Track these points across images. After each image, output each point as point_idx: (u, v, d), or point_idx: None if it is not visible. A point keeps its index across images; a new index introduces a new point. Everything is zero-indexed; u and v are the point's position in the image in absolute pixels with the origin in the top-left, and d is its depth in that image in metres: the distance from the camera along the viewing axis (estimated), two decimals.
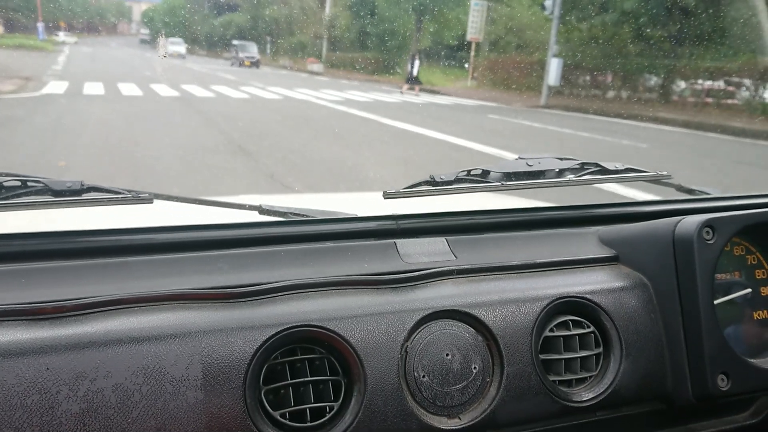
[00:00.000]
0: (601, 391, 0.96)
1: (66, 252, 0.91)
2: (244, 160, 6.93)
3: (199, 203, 1.08)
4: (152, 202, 0.98)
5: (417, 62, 18.33)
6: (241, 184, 5.79)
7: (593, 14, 16.85)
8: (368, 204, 1.27)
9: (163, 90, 13.55)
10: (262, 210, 1.12)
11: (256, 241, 1.01)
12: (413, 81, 17.84)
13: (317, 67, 22.40)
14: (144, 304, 0.82)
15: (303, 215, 1.11)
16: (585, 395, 0.95)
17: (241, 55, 20.55)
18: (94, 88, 12.54)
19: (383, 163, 7.29)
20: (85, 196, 0.96)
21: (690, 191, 1.36)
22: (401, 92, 17.45)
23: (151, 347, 0.77)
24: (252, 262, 0.95)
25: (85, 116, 9.11)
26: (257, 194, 1.61)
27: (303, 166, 6.86)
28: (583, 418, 0.96)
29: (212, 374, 0.78)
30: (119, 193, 0.96)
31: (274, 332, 0.82)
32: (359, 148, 8.29)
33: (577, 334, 0.97)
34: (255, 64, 20.82)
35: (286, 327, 0.83)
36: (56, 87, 12.21)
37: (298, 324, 0.83)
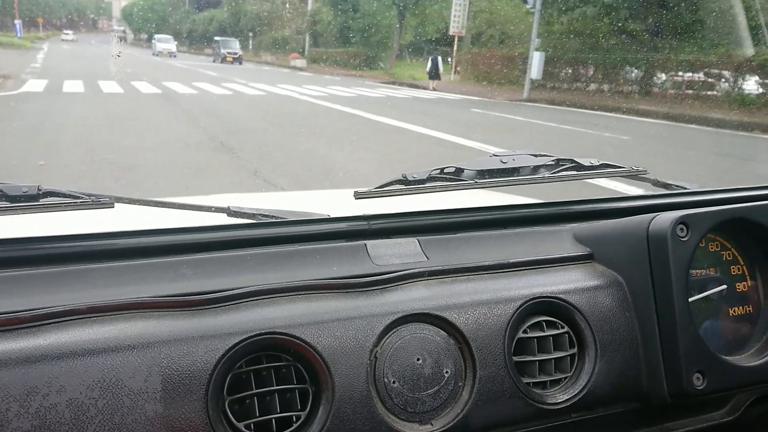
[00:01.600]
0: (576, 392, 0.94)
1: (20, 260, 0.87)
2: (227, 157, 6.88)
3: (163, 206, 1.04)
4: (113, 207, 0.95)
5: (440, 58, 19.17)
6: (224, 182, 5.75)
7: (573, 7, 16.92)
8: (341, 203, 1.25)
9: (145, 87, 13.42)
10: (230, 212, 1.09)
11: (223, 245, 0.98)
12: (436, 77, 18.92)
13: (300, 62, 22.32)
14: (101, 314, 0.79)
15: (272, 216, 1.09)
16: (559, 397, 0.94)
17: (222, 51, 20.33)
18: (73, 86, 12.40)
19: (366, 159, 7.27)
20: (42, 201, 0.92)
21: (666, 186, 1.35)
22: (432, 89, 18.36)
23: (107, 359, 0.74)
24: (216, 268, 0.92)
25: (65, 114, 9.01)
26: (229, 193, 1.58)
27: (286, 162, 6.83)
28: (558, 420, 0.95)
29: (172, 386, 0.75)
30: (78, 197, 0.93)
31: (237, 340, 0.79)
32: (342, 144, 8.26)
33: (551, 335, 0.95)
34: (237, 59, 20.61)
35: (249, 335, 0.80)
36: (35, 85, 12.07)
37: (263, 331, 0.81)
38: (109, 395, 0.73)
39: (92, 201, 0.93)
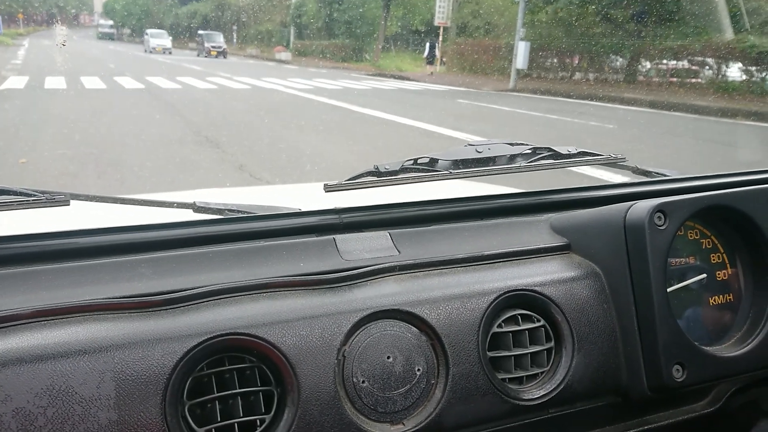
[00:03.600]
0: (553, 387, 0.91)
1: None
2: (212, 152, 6.82)
3: (123, 203, 1.00)
4: (69, 204, 0.91)
5: (436, 44, 20.03)
6: (209, 176, 5.70)
7: None
8: (313, 197, 1.21)
9: (128, 82, 13.29)
10: (196, 208, 1.05)
11: (187, 242, 0.94)
12: (433, 62, 19.82)
13: (285, 55, 22.19)
14: (50, 318, 0.75)
15: (240, 212, 1.05)
16: (536, 392, 0.91)
17: (207, 44, 20.02)
18: (55, 82, 12.25)
19: (354, 151, 7.24)
20: None
21: (646, 173, 1.33)
22: (430, 74, 19.09)
23: (56, 365, 0.70)
24: (178, 266, 0.88)
25: (46, 111, 8.91)
26: (197, 189, 1.53)
27: (272, 155, 6.78)
28: (536, 416, 0.92)
29: (127, 392, 0.72)
30: (31, 195, 0.89)
31: (196, 342, 0.76)
32: (329, 137, 8.22)
33: (527, 329, 0.92)
34: (221, 53, 20.34)
35: (209, 336, 0.76)
36: (16, 82, 11.93)
37: (223, 332, 0.77)
38: (58, 403, 0.69)
39: (46, 199, 0.89)
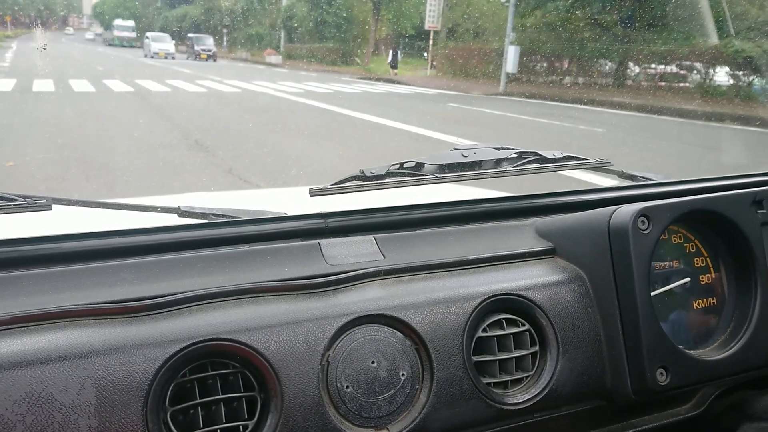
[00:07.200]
0: (538, 391, 0.92)
1: None
2: (201, 155, 6.79)
3: (106, 207, 1.00)
4: (51, 209, 0.90)
5: (399, 52, 21.66)
6: (198, 180, 5.67)
7: (547, 0, 17.02)
8: (298, 201, 1.21)
9: (117, 85, 13.20)
10: (180, 212, 1.05)
11: (171, 247, 0.94)
12: (396, 67, 21.47)
13: (275, 58, 22.14)
14: (30, 324, 0.74)
15: (225, 216, 1.04)
16: (521, 397, 0.91)
17: (196, 48, 19.83)
18: (43, 85, 12.15)
19: (342, 156, 7.22)
20: None
21: (632, 177, 1.34)
22: (393, 74, 20.74)
23: (36, 372, 0.69)
24: (161, 271, 0.88)
25: (34, 114, 8.82)
26: (181, 194, 1.53)
27: (262, 159, 6.76)
28: (520, 421, 0.92)
29: (107, 398, 0.71)
30: (12, 199, 0.88)
31: (178, 348, 0.75)
32: (317, 140, 8.20)
33: (512, 333, 0.93)
34: (211, 56, 20.17)
35: (191, 342, 0.76)
36: (3, 84, 11.81)
37: (206, 338, 0.77)
38: (38, 410, 0.68)
39: (28, 203, 0.88)
